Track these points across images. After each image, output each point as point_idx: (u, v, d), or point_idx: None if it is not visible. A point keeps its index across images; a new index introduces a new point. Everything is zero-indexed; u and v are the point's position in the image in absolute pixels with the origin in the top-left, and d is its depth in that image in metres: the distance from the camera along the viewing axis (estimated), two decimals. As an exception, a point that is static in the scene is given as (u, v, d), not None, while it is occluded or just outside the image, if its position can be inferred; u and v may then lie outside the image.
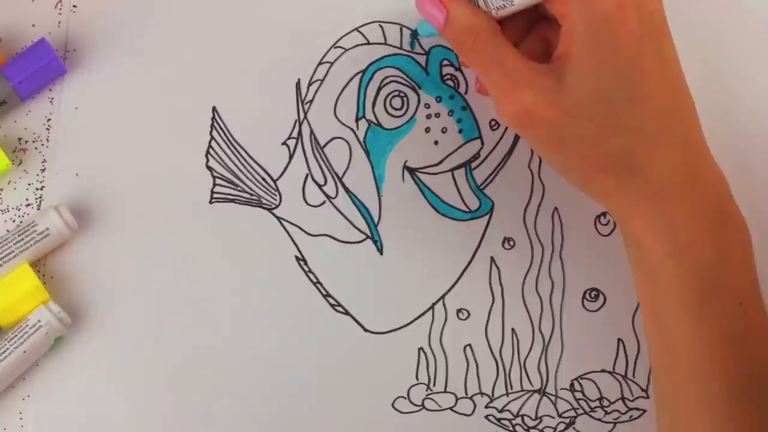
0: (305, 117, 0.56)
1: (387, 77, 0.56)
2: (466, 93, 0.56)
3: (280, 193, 0.56)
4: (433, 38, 0.55)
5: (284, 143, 0.56)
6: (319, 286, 0.55)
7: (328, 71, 0.56)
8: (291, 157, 0.56)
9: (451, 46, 0.49)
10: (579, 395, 0.56)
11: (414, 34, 0.56)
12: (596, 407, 0.56)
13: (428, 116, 0.56)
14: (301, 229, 0.56)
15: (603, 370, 0.56)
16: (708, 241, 0.46)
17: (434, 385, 0.56)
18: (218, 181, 0.56)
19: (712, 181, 0.48)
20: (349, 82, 0.56)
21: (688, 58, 0.48)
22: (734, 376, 0.46)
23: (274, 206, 0.56)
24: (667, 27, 0.47)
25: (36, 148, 0.55)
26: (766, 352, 0.47)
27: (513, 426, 0.56)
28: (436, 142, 0.56)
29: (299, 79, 0.56)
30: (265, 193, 0.56)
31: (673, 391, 0.48)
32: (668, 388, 0.48)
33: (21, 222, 0.55)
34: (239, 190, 0.56)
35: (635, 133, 0.46)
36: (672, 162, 0.46)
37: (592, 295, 0.56)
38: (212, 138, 0.56)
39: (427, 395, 0.56)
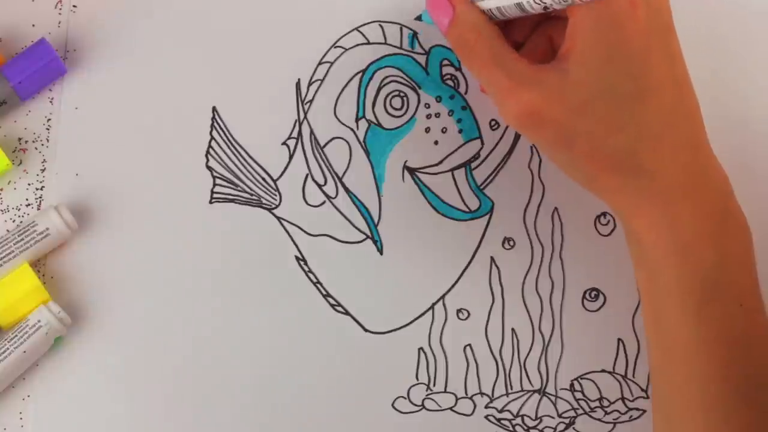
0: (305, 117, 0.56)
1: (387, 77, 0.56)
2: (466, 93, 0.56)
3: (280, 193, 0.56)
4: (434, 36, 0.55)
5: (284, 143, 0.56)
6: (319, 286, 0.55)
7: (328, 71, 0.56)
8: (291, 157, 0.56)
9: (453, 46, 0.49)
10: (579, 395, 0.56)
11: (414, 34, 0.56)
12: (596, 407, 0.56)
13: (428, 116, 0.56)
14: (301, 229, 0.56)
15: (603, 370, 0.56)
16: (710, 241, 0.46)
17: (434, 385, 0.56)
18: (218, 181, 0.56)
19: (715, 181, 0.47)
20: (349, 82, 0.56)
21: (690, 56, 0.48)
22: (732, 378, 0.46)
23: (274, 206, 0.56)
24: (673, 25, 0.47)
25: (36, 148, 0.55)
26: (765, 353, 0.47)
27: (513, 426, 0.56)
28: (436, 142, 0.56)
29: (299, 79, 0.56)
30: (265, 193, 0.56)
31: (670, 392, 0.48)
32: (665, 388, 0.48)
33: (21, 222, 0.55)
34: (239, 190, 0.56)
35: (640, 130, 0.46)
36: (677, 161, 0.46)
37: (592, 295, 0.56)
38: (212, 138, 0.56)
39: (427, 395, 0.56)
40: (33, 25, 0.56)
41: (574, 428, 0.56)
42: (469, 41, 0.48)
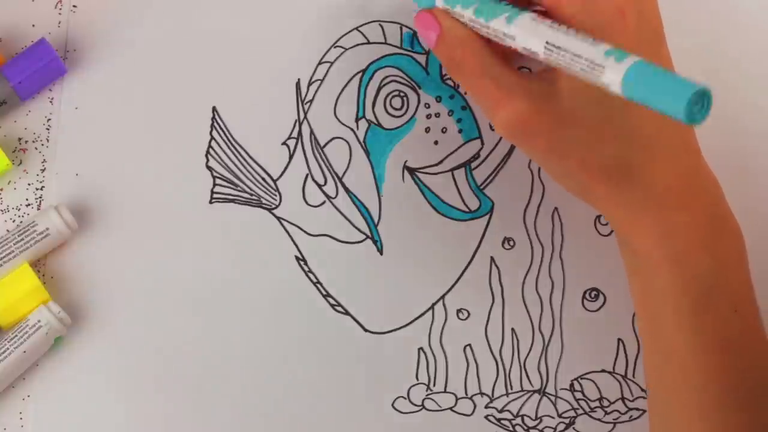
0: (305, 117, 0.56)
1: (387, 77, 0.56)
2: (466, 93, 0.56)
3: (280, 193, 0.56)
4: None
5: (284, 143, 0.56)
6: (319, 286, 0.55)
7: (328, 71, 0.56)
8: (291, 157, 0.56)
9: (442, 62, 0.49)
10: (579, 395, 0.56)
11: (413, 34, 0.56)
12: (596, 407, 0.56)
13: (428, 116, 0.56)
14: (301, 229, 0.56)
15: (603, 370, 0.56)
16: (704, 247, 0.46)
17: (434, 385, 0.56)
18: (218, 181, 0.56)
19: (707, 187, 0.48)
20: (349, 81, 0.56)
21: (686, 61, 0.48)
22: (728, 384, 0.46)
23: (274, 206, 0.56)
24: (663, 31, 0.47)
25: (36, 148, 0.55)
26: (760, 358, 0.47)
27: (513, 426, 0.56)
28: (436, 142, 0.56)
29: (299, 79, 0.56)
30: (265, 193, 0.56)
31: (667, 397, 0.48)
32: (662, 394, 0.48)
33: (21, 222, 0.55)
34: (239, 190, 0.56)
35: (631, 138, 0.46)
36: (669, 168, 0.46)
37: (592, 295, 0.56)
38: (212, 138, 0.56)
39: (427, 395, 0.56)
40: (33, 25, 0.56)
41: (574, 428, 0.56)
42: (457, 56, 0.48)
